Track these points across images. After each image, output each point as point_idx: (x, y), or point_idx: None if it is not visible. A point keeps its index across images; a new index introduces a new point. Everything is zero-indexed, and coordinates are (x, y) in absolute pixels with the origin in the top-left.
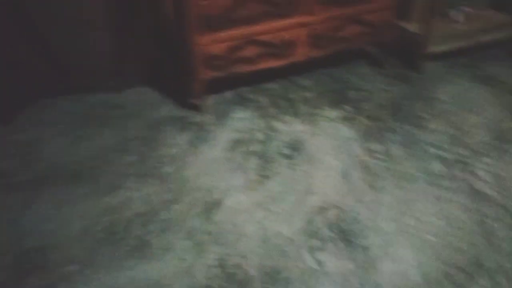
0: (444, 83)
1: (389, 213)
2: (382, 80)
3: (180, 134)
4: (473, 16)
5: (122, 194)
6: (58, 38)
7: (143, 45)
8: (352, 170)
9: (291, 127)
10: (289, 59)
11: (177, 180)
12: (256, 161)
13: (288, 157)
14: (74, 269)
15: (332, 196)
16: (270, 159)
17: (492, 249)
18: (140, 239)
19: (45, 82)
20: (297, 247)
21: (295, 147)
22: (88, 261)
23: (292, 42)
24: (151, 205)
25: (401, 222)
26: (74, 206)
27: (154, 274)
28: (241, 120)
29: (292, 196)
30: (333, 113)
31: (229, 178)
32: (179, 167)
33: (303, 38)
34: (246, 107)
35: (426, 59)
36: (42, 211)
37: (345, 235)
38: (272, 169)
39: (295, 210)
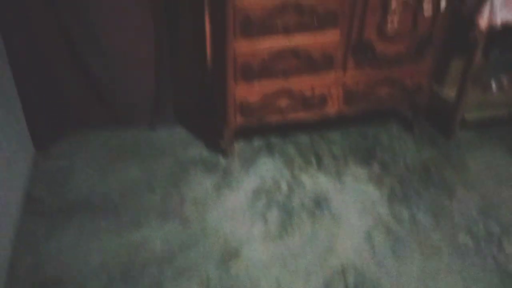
0: (475, 152)
1: (410, 284)
2: (412, 142)
3: (206, 177)
4: (510, 86)
5: (142, 232)
6: (102, 71)
7: (181, 85)
8: (376, 232)
9: (316, 181)
10: (320, 113)
11: (198, 223)
12: (278, 212)
13: (310, 212)
14: None
15: (353, 258)
16: (292, 212)
17: None
18: (154, 282)
19: (84, 112)
20: None
21: (319, 202)
22: None
23: (324, 97)
24: (170, 247)
25: None
26: (95, 239)
27: None
28: (267, 169)
29: (312, 254)
30: (360, 171)
31: (249, 228)
32: (201, 210)
33: (336, 95)
34: (273, 156)
35: (459, 125)
36: (65, 241)
37: None
38: (293, 223)
39: (313, 269)
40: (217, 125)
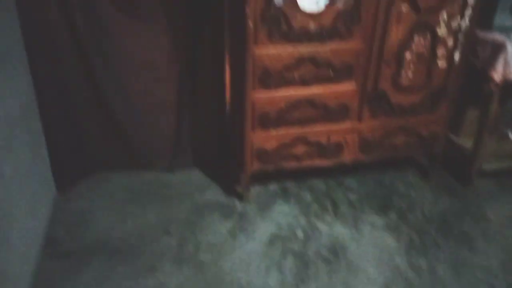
0: (495, 202)
1: None
2: (429, 190)
3: (221, 222)
4: None
5: (157, 278)
6: (124, 114)
7: (200, 130)
8: (393, 284)
9: (332, 229)
10: (336, 160)
11: (213, 270)
12: (293, 260)
13: (327, 261)
14: None
15: None
16: (308, 260)
17: None
18: None
19: (105, 154)
20: None
21: (335, 251)
22: None
23: (340, 145)
24: None
25: None
26: (111, 283)
27: None
28: (283, 215)
29: None
30: (377, 219)
31: (265, 277)
32: (216, 257)
33: (351, 143)
34: (289, 202)
35: (477, 175)
36: (81, 284)
37: None
38: (309, 273)
39: None
40: (234, 170)
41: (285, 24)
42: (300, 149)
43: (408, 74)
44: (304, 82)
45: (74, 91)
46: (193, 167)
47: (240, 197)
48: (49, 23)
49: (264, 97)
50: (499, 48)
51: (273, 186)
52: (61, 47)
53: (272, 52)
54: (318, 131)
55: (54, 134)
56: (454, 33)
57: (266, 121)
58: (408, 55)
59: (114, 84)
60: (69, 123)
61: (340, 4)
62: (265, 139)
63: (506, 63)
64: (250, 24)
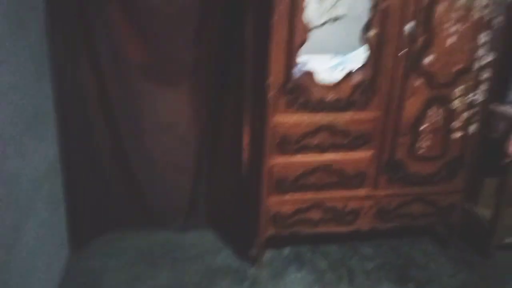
0: None
1: None
2: (447, 261)
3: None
4: None
5: None
6: (143, 172)
7: (215, 191)
8: None
9: None
10: (351, 227)
11: None
12: None
13: None
14: None
15: None
16: None
17: None
18: None
19: (120, 213)
20: None
21: None
22: None
23: (356, 211)
24: None
25: None
26: None
27: None
28: (296, 282)
29: None
30: None
31: None
32: None
33: (367, 209)
34: (303, 268)
35: (497, 247)
36: None
37: None
38: None
39: None
40: (249, 233)
41: (304, 95)
42: (316, 215)
43: (424, 145)
44: (322, 149)
45: (98, 149)
46: (207, 228)
47: (253, 262)
48: (81, 86)
49: (281, 163)
50: None
51: (287, 251)
52: (90, 109)
53: (290, 120)
54: (335, 197)
55: (74, 193)
56: (469, 106)
57: (283, 186)
58: (423, 127)
59: (137, 144)
60: (90, 181)
61: (357, 77)
62: (281, 203)
63: None
64: (271, 94)
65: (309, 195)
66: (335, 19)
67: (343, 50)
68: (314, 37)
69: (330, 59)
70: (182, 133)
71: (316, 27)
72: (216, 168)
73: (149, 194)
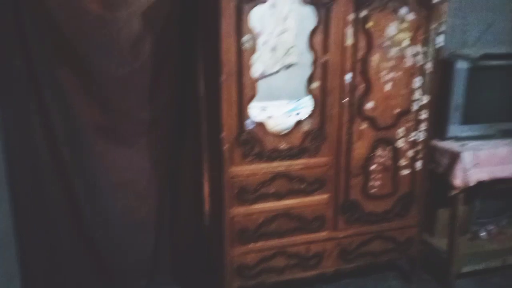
0: None
1: None
2: None
3: None
4: (500, 235)
5: None
6: (101, 231)
7: (179, 247)
8: None
9: None
10: (316, 270)
11: None
12: None
13: None
14: None
15: None
16: None
17: None
18: None
19: (79, 277)
20: None
21: None
22: None
23: (319, 255)
24: None
25: None
26: None
27: None
28: None
29: None
30: None
31: None
32: None
33: (330, 251)
34: None
35: (455, 276)
36: None
37: None
38: None
39: None
40: (215, 287)
41: (258, 146)
42: (280, 262)
43: (376, 184)
44: (279, 196)
45: (53, 216)
46: (172, 286)
47: None
48: (34, 150)
49: (242, 213)
50: (455, 157)
51: None
52: (43, 174)
53: (247, 171)
54: (297, 242)
55: (29, 264)
56: (412, 145)
57: (245, 236)
58: (373, 167)
59: (94, 205)
60: (46, 249)
61: (306, 125)
62: (244, 254)
63: (463, 170)
64: (226, 147)
65: (272, 243)
66: (288, 66)
67: (297, 95)
68: (270, 84)
69: (286, 104)
70: (141, 190)
71: (272, 74)
72: (178, 223)
73: (109, 256)
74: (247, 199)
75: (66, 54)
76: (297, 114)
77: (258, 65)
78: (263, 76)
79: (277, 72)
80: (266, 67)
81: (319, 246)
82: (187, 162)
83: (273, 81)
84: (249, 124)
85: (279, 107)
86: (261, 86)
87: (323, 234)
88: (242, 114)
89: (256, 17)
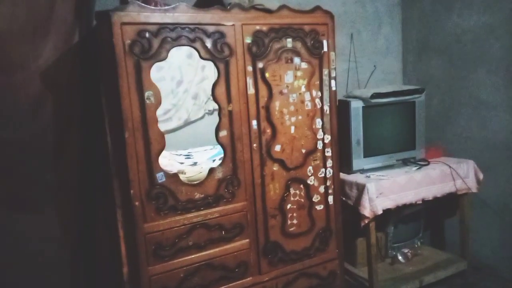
0: None
1: None
2: None
3: None
4: (415, 257)
5: None
6: None
7: None
8: None
9: None
10: None
11: None
12: None
13: None
14: None
15: None
16: None
17: None
18: None
19: None
20: None
21: None
22: None
23: None
24: None
25: None
26: None
27: None
28: None
29: None
30: None
31: None
32: None
33: None
34: None
35: None
36: None
37: None
38: None
39: None
40: None
41: (172, 198)
42: None
43: (293, 222)
44: (199, 247)
45: None
46: None
47: None
48: None
49: (160, 271)
50: (361, 189)
51: None
52: None
53: (162, 226)
54: None
55: None
56: (323, 181)
57: None
58: (289, 206)
59: None
60: None
61: (219, 173)
62: None
63: (370, 200)
64: (137, 204)
65: None
66: (211, 112)
67: None
68: (195, 130)
69: (210, 150)
70: (51, 260)
71: (196, 120)
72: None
73: None
74: (165, 255)
75: None
76: (220, 159)
77: (181, 113)
78: (188, 123)
79: (202, 117)
80: (190, 114)
81: None
82: (100, 224)
83: (198, 127)
84: (160, 178)
85: (204, 153)
86: (186, 132)
87: (248, 280)
88: (151, 168)
89: (175, 66)
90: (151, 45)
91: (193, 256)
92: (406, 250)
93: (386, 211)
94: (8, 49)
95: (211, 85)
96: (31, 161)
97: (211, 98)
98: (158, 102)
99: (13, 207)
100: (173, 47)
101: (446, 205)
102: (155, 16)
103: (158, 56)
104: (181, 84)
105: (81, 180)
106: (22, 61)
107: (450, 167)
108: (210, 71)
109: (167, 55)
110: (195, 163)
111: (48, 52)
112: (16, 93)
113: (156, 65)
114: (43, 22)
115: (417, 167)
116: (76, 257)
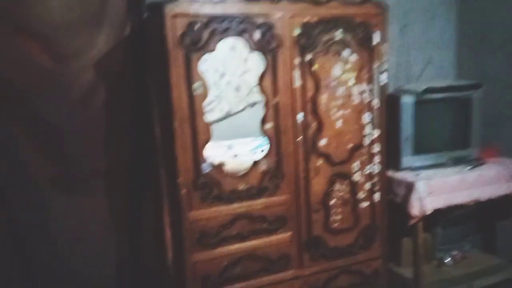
0: None
1: None
2: None
3: None
4: (464, 260)
5: None
6: None
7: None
8: None
9: None
10: None
11: None
12: None
13: None
14: None
15: None
16: None
17: None
18: None
19: None
20: None
21: None
22: None
23: None
24: None
25: None
26: None
27: None
28: None
29: None
30: None
31: None
32: None
33: None
34: None
35: None
36: None
37: None
38: None
39: None
40: None
41: (216, 188)
42: None
43: (337, 218)
44: (242, 237)
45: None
46: None
47: None
48: None
49: (204, 259)
50: (410, 187)
51: None
52: None
53: (206, 214)
54: (263, 284)
55: None
56: (368, 178)
57: (209, 283)
58: (333, 202)
59: (47, 262)
60: None
61: (263, 165)
62: None
63: (419, 199)
64: (183, 192)
65: (238, 287)
66: (253, 104)
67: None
68: (236, 122)
69: (251, 142)
70: (100, 242)
71: (237, 112)
72: (140, 275)
73: None
74: (209, 243)
75: (17, 109)
76: (262, 151)
77: (223, 104)
78: (229, 115)
79: (242, 110)
80: (231, 106)
81: (286, 286)
82: (147, 210)
83: (239, 119)
84: (205, 168)
85: (245, 145)
86: (227, 124)
87: (289, 273)
88: (198, 158)
89: (219, 59)
90: (201, 37)
91: (236, 246)
92: (454, 253)
93: (435, 211)
94: (64, 39)
95: (254, 78)
96: (82, 148)
97: (253, 90)
98: (205, 94)
99: (68, 193)
100: (222, 38)
101: (499, 208)
102: (205, 8)
103: (207, 47)
104: (224, 76)
105: (130, 168)
106: (77, 51)
107: (507, 167)
108: (252, 63)
109: (215, 47)
110: (236, 155)
111: (101, 43)
112: (70, 82)
113: (202, 57)
114: (97, 14)
115: (471, 166)
116: (123, 241)
